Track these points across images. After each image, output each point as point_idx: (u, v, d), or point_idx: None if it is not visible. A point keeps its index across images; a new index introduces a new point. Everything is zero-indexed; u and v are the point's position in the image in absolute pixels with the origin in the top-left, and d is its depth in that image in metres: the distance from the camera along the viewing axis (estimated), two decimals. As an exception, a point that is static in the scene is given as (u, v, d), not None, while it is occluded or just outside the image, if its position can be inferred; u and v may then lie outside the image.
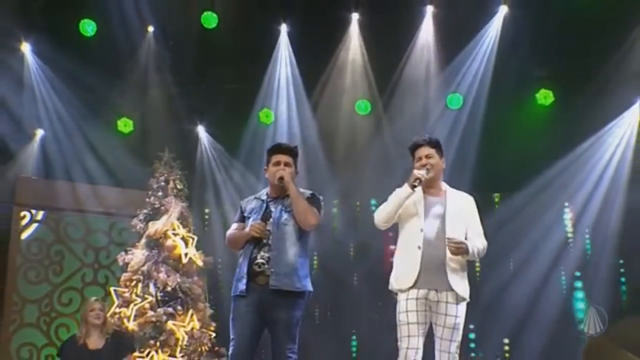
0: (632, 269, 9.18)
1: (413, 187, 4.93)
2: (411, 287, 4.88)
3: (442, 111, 9.58)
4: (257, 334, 5.02)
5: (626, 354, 2.27)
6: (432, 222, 4.98)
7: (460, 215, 5.02)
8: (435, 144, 5.17)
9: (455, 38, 9.26)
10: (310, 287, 5.13)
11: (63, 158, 9.43)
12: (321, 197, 5.31)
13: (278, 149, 5.32)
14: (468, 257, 4.90)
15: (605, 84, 8.78)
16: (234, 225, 5.30)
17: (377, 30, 9.28)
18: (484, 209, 9.24)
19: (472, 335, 9.36)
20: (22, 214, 9.36)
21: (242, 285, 4.97)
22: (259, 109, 9.79)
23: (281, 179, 5.08)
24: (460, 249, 4.80)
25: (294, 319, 5.00)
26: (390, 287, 5.05)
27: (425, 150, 5.11)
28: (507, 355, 9.45)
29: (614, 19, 8.62)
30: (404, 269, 4.97)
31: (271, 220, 5.09)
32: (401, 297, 4.94)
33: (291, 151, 5.31)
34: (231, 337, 5.04)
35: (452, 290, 4.86)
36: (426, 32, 9.31)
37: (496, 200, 9.88)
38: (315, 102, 9.57)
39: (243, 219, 5.25)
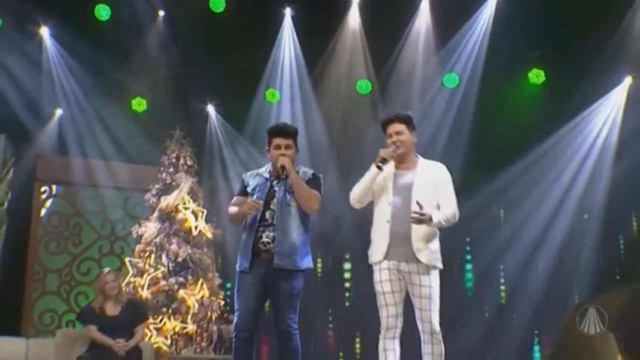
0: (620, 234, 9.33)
1: (379, 166, 4.82)
2: (383, 259, 4.82)
3: (438, 90, 9.55)
4: (260, 305, 5.03)
5: (599, 327, 2.27)
6: (401, 195, 4.84)
7: (430, 185, 4.84)
8: (405, 120, 4.97)
9: (450, 20, 9.21)
10: (311, 265, 5.13)
11: (80, 137, 9.45)
12: (321, 176, 5.23)
13: (278, 131, 5.18)
14: (433, 225, 4.72)
15: (594, 63, 8.73)
16: (235, 200, 5.24)
17: (376, 14, 9.22)
18: (477, 183, 9.45)
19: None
20: (42, 189, 9.46)
21: (246, 262, 4.96)
22: (264, 89, 9.77)
23: (282, 167, 4.99)
24: (421, 220, 4.63)
25: (295, 291, 4.99)
26: (369, 260, 4.98)
27: (395, 127, 4.92)
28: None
29: (604, 1, 8.60)
30: (376, 242, 4.90)
31: (275, 200, 5.02)
32: (375, 269, 4.88)
33: (291, 133, 5.18)
34: (236, 307, 5.06)
35: (420, 261, 4.74)
36: (423, 15, 9.27)
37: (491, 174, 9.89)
38: (316, 83, 9.55)
39: (245, 193, 5.17)
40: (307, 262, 5.06)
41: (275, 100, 9.88)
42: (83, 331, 6.82)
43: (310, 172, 5.20)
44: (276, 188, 5.07)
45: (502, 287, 9.81)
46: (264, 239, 4.95)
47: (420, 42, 9.32)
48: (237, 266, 5.12)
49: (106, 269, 7.58)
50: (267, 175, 5.14)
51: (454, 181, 4.93)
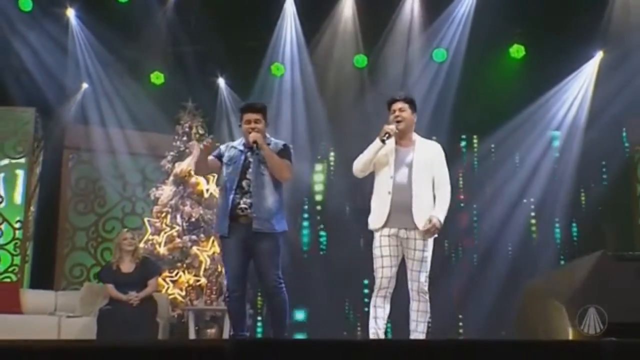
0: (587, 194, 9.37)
1: (383, 140, 4.96)
2: (383, 227, 4.94)
3: (427, 63, 9.51)
4: (245, 266, 5.09)
5: (553, 302, 2.31)
6: (402, 170, 4.98)
7: (428, 164, 5.00)
8: (409, 100, 5.15)
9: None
10: (286, 227, 5.20)
11: (102, 108, 9.47)
12: (291, 147, 5.35)
13: (248, 108, 5.26)
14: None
15: (570, 39, 8.73)
16: (209, 159, 5.29)
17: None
18: (462, 148, 9.47)
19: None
20: (70, 155, 9.53)
21: (224, 228, 5.02)
22: (269, 63, 9.76)
23: (255, 142, 5.03)
24: (433, 229, 4.86)
25: (276, 248, 5.06)
26: (369, 227, 5.10)
27: (399, 105, 5.09)
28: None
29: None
30: (377, 211, 5.01)
31: (250, 170, 5.09)
32: (376, 235, 4.99)
33: (260, 109, 5.23)
34: (224, 271, 5.17)
35: (417, 228, 4.88)
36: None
37: (474, 141, 9.87)
38: (315, 57, 9.51)
39: (219, 158, 5.23)
40: (282, 226, 5.16)
41: (280, 73, 9.86)
42: (103, 288, 7.00)
43: (281, 143, 5.30)
44: (250, 159, 5.13)
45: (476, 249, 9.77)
46: (242, 205, 5.03)
47: (410, 19, 9.23)
48: (214, 229, 5.18)
49: (125, 229, 7.75)
50: (242, 148, 5.21)
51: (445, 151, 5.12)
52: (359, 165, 5.10)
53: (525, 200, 9.48)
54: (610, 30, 8.48)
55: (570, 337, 2.32)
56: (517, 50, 9.17)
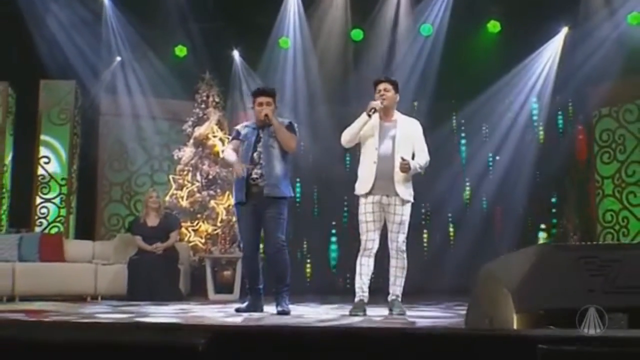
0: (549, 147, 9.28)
1: (369, 115, 4.94)
2: (368, 193, 4.95)
3: (415, 37, 9.30)
4: (258, 229, 5.17)
5: (502, 289, 2.28)
6: (385, 142, 4.98)
7: (408, 137, 5.02)
8: (392, 82, 5.16)
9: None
10: (292, 193, 5.30)
11: (132, 78, 9.38)
12: (296, 125, 5.35)
13: (260, 92, 5.30)
14: (412, 172, 4.92)
15: (539, 16, 8.53)
16: (230, 145, 5.37)
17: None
18: (444, 114, 9.34)
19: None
20: (104, 120, 9.49)
21: (241, 195, 5.09)
22: (277, 37, 9.58)
23: (266, 116, 5.10)
24: (405, 167, 4.83)
25: (282, 215, 5.12)
26: (355, 192, 5.10)
27: (384, 85, 5.09)
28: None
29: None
30: (363, 178, 5.02)
31: (260, 143, 5.13)
32: (361, 201, 5.01)
33: (270, 93, 5.29)
34: (239, 234, 5.22)
35: (398, 195, 4.90)
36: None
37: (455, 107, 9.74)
38: (314, 32, 9.35)
39: (238, 138, 5.28)
40: (289, 192, 5.25)
41: (287, 46, 9.70)
42: (133, 239, 7.05)
43: (287, 120, 5.36)
44: (262, 135, 5.18)
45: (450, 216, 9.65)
46: (254, 176, 5.09)
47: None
48: (233, 199, 5.24)
49: (151, 188, 7.76)
50: (254, 126, 5.27)
51: (424, 128, 5.11)
52: (347, 137, 5.12)
53: (498, 158, 9.36)
54: (576, 10, 8.34)
55: (515, 325, 2.29)
56: (493, 26, 9.04)
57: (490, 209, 9.41)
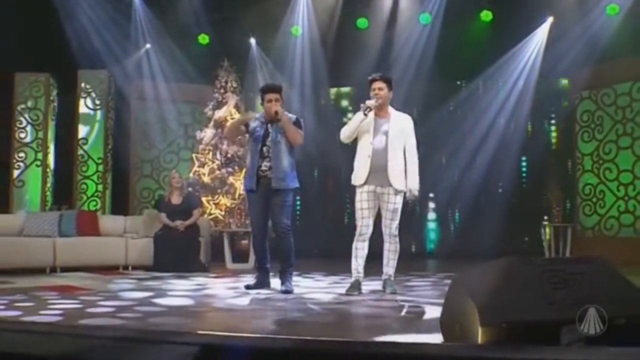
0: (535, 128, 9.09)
1: (365, 114, 4.77)
2: (364, 184, 4.83)
3: (415, 25, 9.01)
4: (265, 214, 5.05)
5: (469, 301, 2.16)
6: (379, 137, 4.83)
7: (400, 132, 4.85)
8: (386, 80, 4.93)
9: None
10: (297, 185, 5.14)
11: (161, 64, 9.25)
12: (302, 120, 5.17)
13: (268, 89, 5.12)
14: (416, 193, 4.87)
15: (528, 7, 8.27)
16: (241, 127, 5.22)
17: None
18: (439, 96, 9.09)
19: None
20: (134, 105, 9.37)
21: (252, 184, 4.99)
22: (290, 26, 9.34)
23: (276, 112, 4.94)
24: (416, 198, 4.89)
25: (288, 202, 5.03)
26: (351, 182, 4.97)
27: (378, 84, 4.88)
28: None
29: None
30: (359, 171, 4.89)
31: (269, 138, 4.99)
32: (357, 191, 4.89)
33: (277, 89, 5.11)
34: (250, 218, 5.14)
35: (392, 186, 4.78)
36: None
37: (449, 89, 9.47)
38: (321, 22, 9.11)
39: (246, 126, 5.13)
40: (295, 183, 5.13)
41: (298, 34, 9.45)
42: (158, 215, 7.00)
43: (294, 117, 5.17)
44: (270, 130, 5.04)
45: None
46: (263, 167, 4.99)
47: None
48: (243, 187, 5.14)
49: (174, 170, 7.69)
50: (263, 120, 5.10)
51: (415, 123, 4.96)
52: (346, 133, 4.95)
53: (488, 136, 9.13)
54: (560, 1, 8.15)
55: (479, 338, 2.17)
56: (486, 15, 8.78)
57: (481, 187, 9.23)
